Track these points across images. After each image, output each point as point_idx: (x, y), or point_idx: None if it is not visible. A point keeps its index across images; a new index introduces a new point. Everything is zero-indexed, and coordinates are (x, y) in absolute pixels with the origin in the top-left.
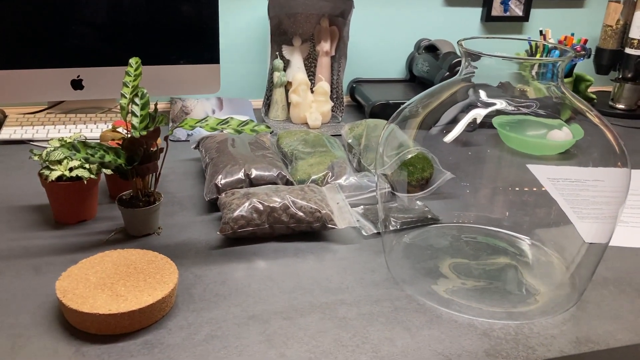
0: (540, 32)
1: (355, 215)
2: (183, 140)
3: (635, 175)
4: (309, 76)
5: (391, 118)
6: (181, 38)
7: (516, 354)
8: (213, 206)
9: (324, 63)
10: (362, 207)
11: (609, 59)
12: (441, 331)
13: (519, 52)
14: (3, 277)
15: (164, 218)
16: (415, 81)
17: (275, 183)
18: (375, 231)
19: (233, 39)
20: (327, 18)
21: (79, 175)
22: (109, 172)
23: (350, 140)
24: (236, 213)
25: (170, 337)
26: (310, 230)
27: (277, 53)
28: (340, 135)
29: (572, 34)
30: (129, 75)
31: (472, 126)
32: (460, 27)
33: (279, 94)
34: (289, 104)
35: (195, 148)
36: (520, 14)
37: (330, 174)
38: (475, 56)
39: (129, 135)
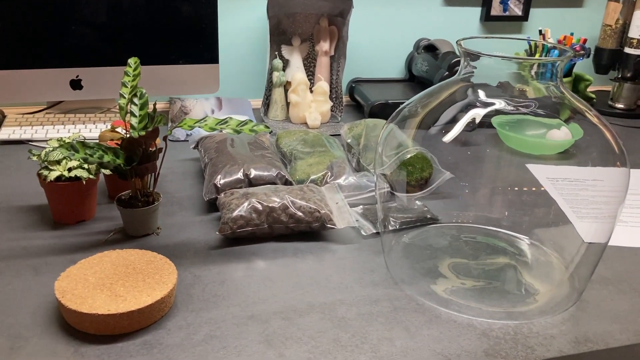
0: (540, 31)
1: (355, 215)
2: (182, 140)
3: (634, 175)
4: (308, 76)
5: (390, 118)
6: (180, 38)
7: (515, 353)
8: (212, 206)
9: (323, 63)
10: (361, 207)
11: (608, 59)
12: (440, 331)
13: (518, 51)
14: (2, 277)
15: (163, 218)
16: (414, 81)
17: (274, 183)
18: (375, 231)
19: (232, 38)
20: (326, 18)
21: (78, 175)
22: (107, 172)
23: (349, 140)
24: (235, 213)
25: (169, 338)
26: (310, 230)
27: (276, 53)
28: (339, 135)
29: (572, 34)
30: (128, 75)
31: (472, 126)
32: (460, 27)
33: (278, 93)
34: (288, 104)
35: (194, 148)
36: (520, 13)
37: (329, 173)
38: (474, 56)
39: (128, 136)
